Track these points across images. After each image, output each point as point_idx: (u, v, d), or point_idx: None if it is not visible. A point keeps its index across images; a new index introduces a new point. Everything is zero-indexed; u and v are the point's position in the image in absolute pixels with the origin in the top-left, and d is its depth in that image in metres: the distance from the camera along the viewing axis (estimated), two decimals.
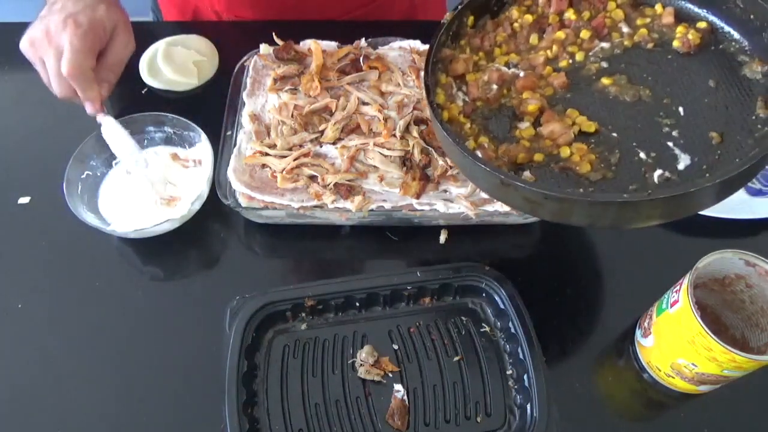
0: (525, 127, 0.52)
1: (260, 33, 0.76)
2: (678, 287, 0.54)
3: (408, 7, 0.98)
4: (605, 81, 0.52)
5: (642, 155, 0.48)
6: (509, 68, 0.56)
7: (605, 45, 0.55)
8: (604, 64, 0.54)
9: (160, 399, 0.59)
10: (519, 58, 0.57)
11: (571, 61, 0.55)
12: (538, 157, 0.50)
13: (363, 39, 0.76)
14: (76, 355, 0.62)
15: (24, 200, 0.72)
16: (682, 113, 0.49)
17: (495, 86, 0.54)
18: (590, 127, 0.50)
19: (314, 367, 0.59)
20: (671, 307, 0.54)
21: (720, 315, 0.60)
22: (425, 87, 0.52)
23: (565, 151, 0.49)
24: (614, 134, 0.49)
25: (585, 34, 0.55)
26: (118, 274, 0.68)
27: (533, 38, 0.57)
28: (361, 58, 0.73)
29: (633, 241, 0.70)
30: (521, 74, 0.55)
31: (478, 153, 0.50)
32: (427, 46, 0.75)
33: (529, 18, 0.57)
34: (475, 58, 0.58)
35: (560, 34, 0.56)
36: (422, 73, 0.53)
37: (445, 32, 0.57)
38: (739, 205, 0.71)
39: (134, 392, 0.60)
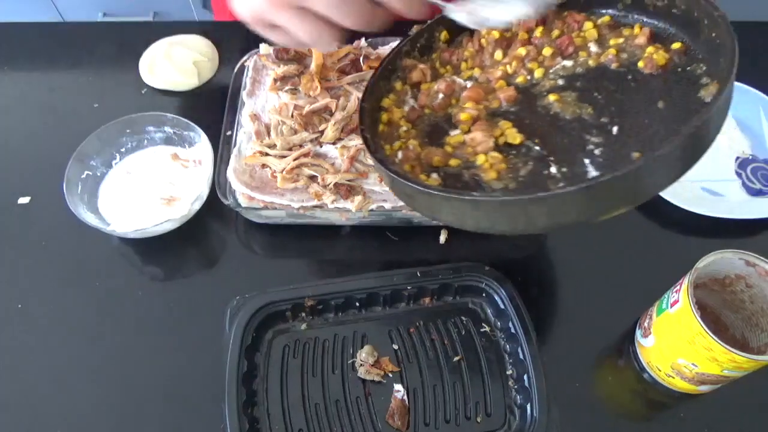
0: (455, 134, 0.52)
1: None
2: (678, 287, 0.54)
3: None
4: (551, 97, 0.51)
5: (553, 169, 0.47)
6: (469, 81, 0.57)
7: (568, 63, 0.54)
8: (561, 82, 0.53)
9: (160, 399, 0.59)
10: (481, 73, 0.57)
11: (529, 77, 0.54)
12: (454, 162, 0.50)
13: (363, 39, 0.76)
14: (76, 355, 0.62)
15: (24, 200, 0.72)
16: (614, 132, 0.47)
17: (441, 95, 0.55)
18: (515, 138, 0.49)
19: (314, 367, 0.59)
20: (671, 307, 0.54)
21: (720, 315, 0.60)
22: (364, 90, 0.56)
23: (480, 159, 0.49)
24: (537, 148, 0.49)
25: (547, 51, 0.55)
26: (118, 274, 0.68)
27: (498, 54, 0.57)
28: (361, 58, 0.73)
29: (633, 241, 0.70)
30: (468, 85, 0.55)
31: (400, 153, 0.52)
32: None
33: (495, 34, 0.57)
34: (443, 71, 0.59)
35: (521, 51, 0.55)
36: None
37: (409, 43, 0.59)
38: (739, 205, 0.71)
39: (134, 392, 0.60)
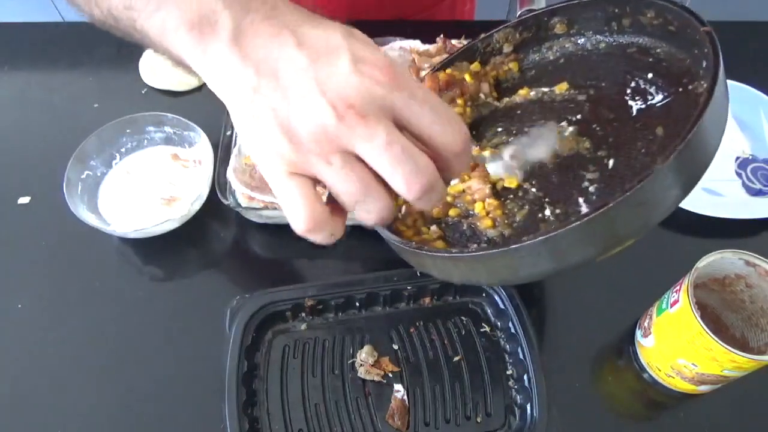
0: (455, 183, 0.51)
1: None
2: (678, 287, 0.54)
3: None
4: None
5: (547, 212, 0.45)
6: None
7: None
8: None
9: (160, 399, 0.59)
10: None
11: None
12: (453, 212, 0.49)
13: None
14: (76, 356, 0.62)
15: (24, 200, 0.72)
16: (609, 166, 0.45)
17: None
18: (512, 182, 0.48)
19: (314, 367, 0.59)
20: (671, 307, 0.54)
21: (720, 315, 0.60)
22: None
23: (478, 207, 0.48)
24: (533, 190, 0.47)
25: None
26: (118, 274, 0.68)
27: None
28: None
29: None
30: None
31: (403, 208, 0.50)
32: (427, 47, 0.76)
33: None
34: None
35: (521, 91, 0.53)
36: None
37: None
38: (739, 205, 0.71)
39: (134, 392, 0.60)
